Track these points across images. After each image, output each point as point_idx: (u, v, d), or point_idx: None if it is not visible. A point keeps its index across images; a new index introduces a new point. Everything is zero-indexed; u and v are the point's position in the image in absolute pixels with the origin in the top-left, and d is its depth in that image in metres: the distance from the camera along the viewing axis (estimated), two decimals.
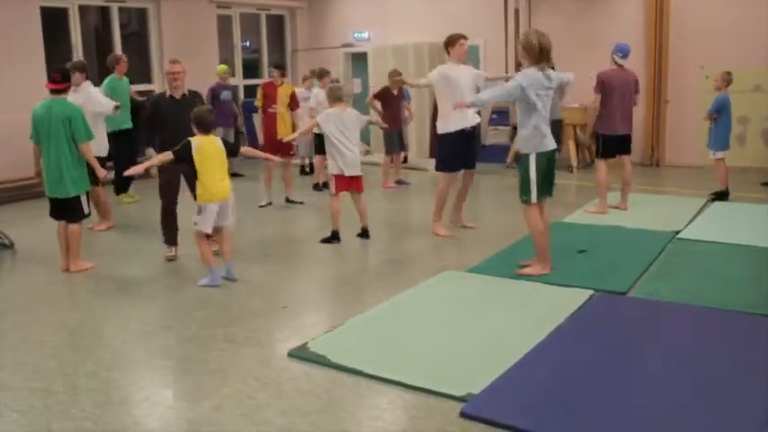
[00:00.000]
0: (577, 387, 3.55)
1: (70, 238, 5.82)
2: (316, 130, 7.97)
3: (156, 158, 5.45)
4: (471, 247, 6.32)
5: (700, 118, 8.77)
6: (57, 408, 3.49)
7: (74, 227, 5.82)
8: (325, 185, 8.49)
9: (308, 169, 10.63)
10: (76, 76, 7.12)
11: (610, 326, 4.43)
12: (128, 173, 5.55)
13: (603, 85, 7.17)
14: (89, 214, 6.04)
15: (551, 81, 5.24)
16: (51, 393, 3.65)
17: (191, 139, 5.28)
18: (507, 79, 6.31)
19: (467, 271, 5.55)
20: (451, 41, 6.42)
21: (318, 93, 9.13)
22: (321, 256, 6.24)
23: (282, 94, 8.31)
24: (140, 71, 11.02)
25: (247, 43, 13.51)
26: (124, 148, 8.31)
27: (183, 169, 5.65)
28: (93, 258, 6.11)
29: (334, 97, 6.52)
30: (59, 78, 5.76)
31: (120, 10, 11.02)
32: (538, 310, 4.62)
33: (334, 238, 6.55)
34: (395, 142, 9.45)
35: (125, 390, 3.70)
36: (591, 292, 4.90)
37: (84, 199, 5.85)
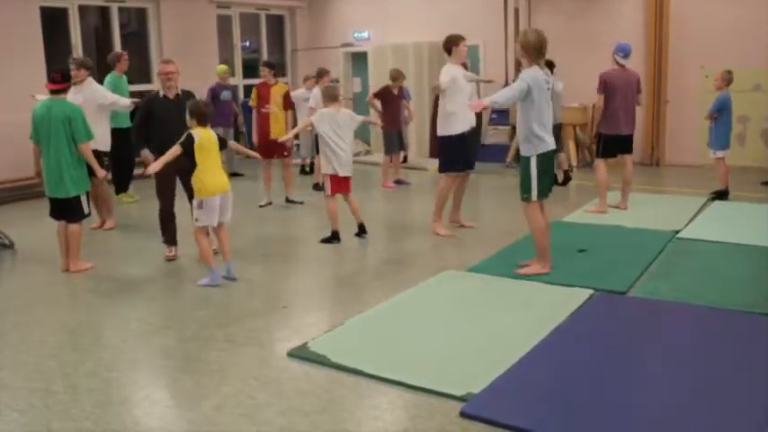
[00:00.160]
0: (577, 387, 3.55)
1: (70, 238, 5.82)
2: (309, 130, 7.98)
3: (168, 153, 5.33)
4: (471, 246, 6.32)
5: (699, 117, 8.78)
6: (57, 407, 3.49)
7: (74, 227, 5.82)
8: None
9: (308, 169, 10.62)
10: (81, 72, 7.14)
11: (610, 325, 4.43)
12: (150, 170, 5.43)
13: (606, 86, 7.17)
14: (89, 214, 6.04)
15: (548, 82, 5.25)
16: (51, 393, 3.65)
17: (191, 131, 5.27)
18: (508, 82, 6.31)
19: (467, 271, 5.55)
20: (454, 42, 6.42)
21: (318, 93, 9.13)
22: (321, 256, 6.24)
23: (275, 93, 8.29)
24: (140, 71, 11.02)
25: (247, 43, 13.50)
26: (123, 146, 8.32)
27: (178, 168, 5.65)
28: (93, 258, 6.11)
29: (330, 97, 6.53)
30: (59, 78, 5.75)
31: (120, 10, 11.03)
32: (538, 310, 4.62)
33: (334, 238, 6.55)
34: (395, 142, 9.45)
35: (125, 390, 3.70)
36: (591, 291, 4.90)
37: (84, 199, 5.85)
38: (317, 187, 9.24)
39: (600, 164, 7.43)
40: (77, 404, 3.52)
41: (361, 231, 6.66)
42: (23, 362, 4.07)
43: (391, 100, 9.33)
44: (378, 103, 9.43)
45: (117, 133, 7.96)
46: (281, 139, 7.24)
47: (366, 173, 10.42)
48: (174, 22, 11.37)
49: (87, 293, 5.41)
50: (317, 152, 9.28)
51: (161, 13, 11.25)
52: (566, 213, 7.33)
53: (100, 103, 7.26)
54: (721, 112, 7.79)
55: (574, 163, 10.37)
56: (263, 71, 8.47)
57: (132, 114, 8.57)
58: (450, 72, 6.37)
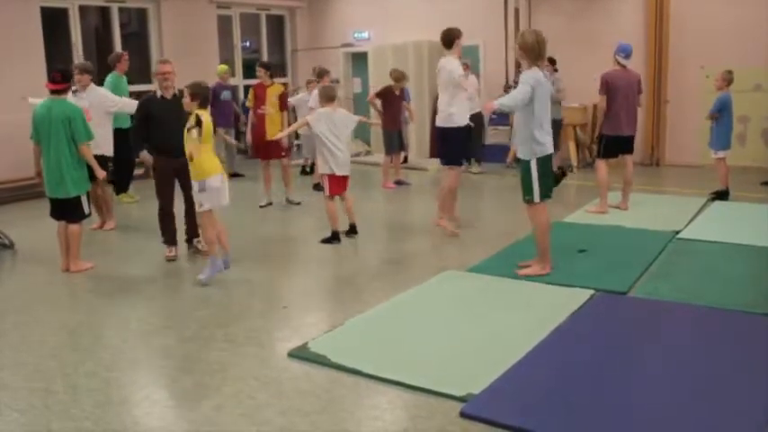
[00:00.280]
0: (578, 387, 3.55)
1: (70, 239, 5.82)
2: (304, 131, 8.00)
3: (194, 143, 5.28)
4: (471, 246, 6.32)
5: (700, 118, 8.78)
6: (57, 408, 3.49)
7: (74, 227, 5.82)
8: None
9: (308, 169, 10.62)
10: (84, 77, 7.14)
11: (610, 326, 4.43)
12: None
13: (608, 87, 7.16)
14: (89, 214, 6.04)
15: (547, 83, 5.24)
16: (51, 393, 3.65)
17: (199, 114, 5.23)
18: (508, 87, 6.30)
19: (467, 271, 5.55)
20: (456, 35, 6.43)
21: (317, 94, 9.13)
22: (321, 256, 6.24)
23: (271, 94, 8.28)
24: (140, 71, 11.02)
25: (247, 43, 13.51)
26: (123, 147, 8.32)
27: (177, 169, 5.65)
28: (94, 258, 6.11)
29: (327, 97, 6.53)
30: (59, 78, 5.75)
31: (120, 10, 11.03)
32: (538, 310, 4.62)
33: (334, 238, 6.55)
34: (395, 142, 9.45)
35: (125, 390, 3.70)
36: (591, 291, 4.90)
37: (84, 199, 5.85)
38: (318, 187, 9.23)
39: (601, 164, 7.43)
40: (77, 404, 3.52)
41: (352, 231, 6.67)
42: (23, 362, 4.07)
43: (392, 100, 9.33)
44: (378, 104, 9.43)
45: (117, 134, 7.96)
46: (275, 137, 7.25)
47: (366, 173, 10.42)
48: (175, 22, 11.37)
49: (87, 293, 5.41)
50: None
51: (161, 13, 11.25)
52: (566, 214, 7.33)
53: (107, 109, 7.27)
54: (722, 113, 7.78)
55: (574, 163, 10.37)
56: (260, 72, 8.47)
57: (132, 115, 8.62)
58: (456, 65, 6.39)
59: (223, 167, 5.57)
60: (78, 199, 5.80)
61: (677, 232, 6.49)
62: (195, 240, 6.24)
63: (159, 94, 6.13)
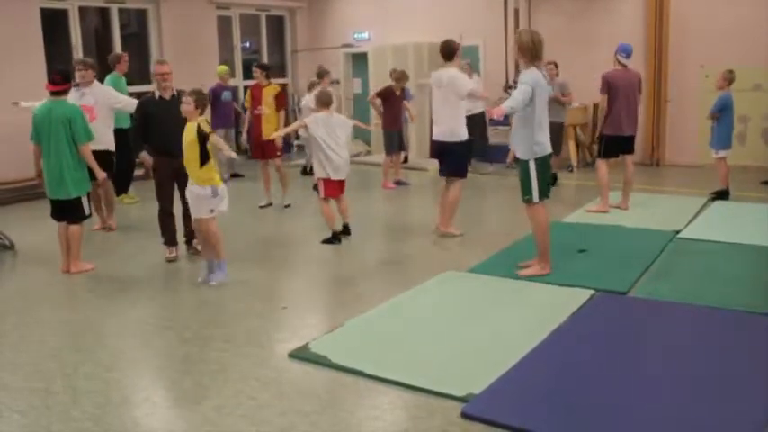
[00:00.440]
0: (578, 387, 3.55)
1: (71, 239, 5.82)
2: (303, 132, 7.99)
3: (218, 143, 5.33)
4: (471, 246, 6.32)
5: (700, 117, 8.78)
6: (57, 408, 3.49)
7: (74, 228, 5.82)
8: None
9: (309, 169, 10.61)
10: (89, 73, 7.15)
11: (610, 326, 4.43)
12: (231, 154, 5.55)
13: (609, 86, 7.17)
14: (90, 215, 6.05)
15: (546, 83, 5.23)
16: (51, 394, 3.65)
17: (202, 125, 5.23)
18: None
19: (467, 271, 5.55)
20: (457, 47, 6.41)
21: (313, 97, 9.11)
22: (321, 257, 6.24)
23: (267, 95, 8.27)
24: (140, 72, 11.02)
25: (247, 44, 13.51)
26: (123, 147, 8.33)
27: (176, 171, 5.65)
28: (94, 259, 6.11)
29: (323, 102, 6.52)
30: (59, 80, 5.75)
31: (120, 11, 11.03)
32: (538, 310, 4.62)
33: (334, 238, 6.56)
34: (395, 143, 9.45)
35: (125, 390, 3.71)
36: (591, 291, 4.90)
37: (84, 200, 5.85)
38: (317, 188, 9.22)
39: (601, 164, 7.43)
40: (78, 405, 3.52)
41: (345, 232, 6.67)
42: (24, 362, 4.07)
43: (393, 100, 9.33)
44: (379, 104, 9.42)
45: (117, 134, 7.96)
46: (271, 136, 7.25)
47: (366, 173, 10.42)
48: (174, 23, 11.37)
49: (88, 294, 5.42)
50: None
51: (161, 14, 11.25)
52: (566, 213, 7.33)
53: (113, 105, 7.29)
54: (723, 112, 7.78)
55: (574, 163, 10.37)
56: (256, 72, 8.47)
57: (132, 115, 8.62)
58: (465, 76, 6.40)
59: (223, 168, 5.56)
60: (79, 200, 5.80)
61: (677, 232, 6.49)
62: (194, 242, 6.23)
63: (158, 94, 6.13)
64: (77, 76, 7.12)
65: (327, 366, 3.86)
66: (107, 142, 7.12)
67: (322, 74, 9.53)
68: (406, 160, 10.67)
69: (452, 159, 6.51)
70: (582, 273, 5.36)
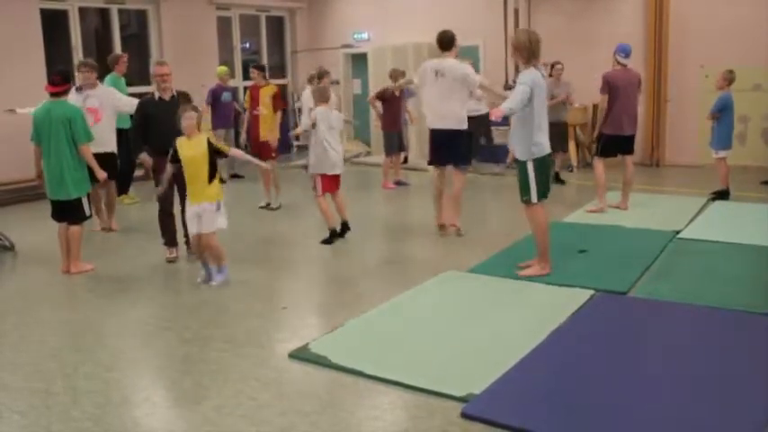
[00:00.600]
0: (578, 387, 3.55)
1: (71, 240, 5.82)
2: (306, 128, 8.02)
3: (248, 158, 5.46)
4: (471, 247, 6.32)
5: (700, 118, 8.78)
6: (57, 408, 3.49)
7: (74, 228, 5.82)
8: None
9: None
10: (93, 75, 7.14)
11: (610, 326, 4.43)
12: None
13: (609, 86, 7.17)
14: (90, 216, 6.05)
15: (544, 83, 5.23)
16: (52, 394, 3.65)
17: (210, 138, 5.27)
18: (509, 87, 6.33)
19: (467, 271, 5.55)
20: (454, 36, 6.42)
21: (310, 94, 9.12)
22: (321, 257, 6.25)
23: (264, 95, 8.26)
24: (140, 73, 11.02)
25: (247, 45, 13.51)
26: (123, 147, 8.33)
27: (175, 174, 5.65)
28: (94, 259, 6.11)
29: (323, 97, 6.57)
30: (59, 81, 5.75)
31: (120, 11, 11.03)
32: (538, 310, 4.62)
33: (333, 236, 6.56)
34: (395, 143, 9.45)
35: (125, 390, 3.71)
36: (591, 291, 4.90)
37: (85, 201, 5.85)
38: (316, 187, 9.21)
39: (598, 162, 7.44)
40: (78, 405, 3.52)
41: (344, 228, 6.69)
42: (24, 362, 4.07)
43: (392, 101, 9.33)
44: (379, 105, 9.42)
45: (117, 134, 7.96)
46: (292, 133, 7.28)
47: (366, 174, 10.43)
48: (174, 23, 11.37)
49: (88, 294, 5.42)
50: None
51: (161, 14, 11.25)
52: (566, 214, 7.33)
53: (115, 107, 7.29)
54: (723, 112, 7.78)
55: (574, 163, 10.37)
56: (253, 73, 8.47)
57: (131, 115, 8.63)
58: (468, 66, 6.42)
59: (223, 168, 5.57)
60: (79, 200, 5.80)
61: (677, 232, 6.49)
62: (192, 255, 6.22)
63: (157, 95, 6.13)
64: (81, 77, 7.13)
65: (327, 366, 3.86)
66: (112, 145, 7.14)
67: (322, 74, 9.51)
68: (405, 161, 10.68)
69: (459, 147, 6.50)
70: (582, 273, 5.36)
